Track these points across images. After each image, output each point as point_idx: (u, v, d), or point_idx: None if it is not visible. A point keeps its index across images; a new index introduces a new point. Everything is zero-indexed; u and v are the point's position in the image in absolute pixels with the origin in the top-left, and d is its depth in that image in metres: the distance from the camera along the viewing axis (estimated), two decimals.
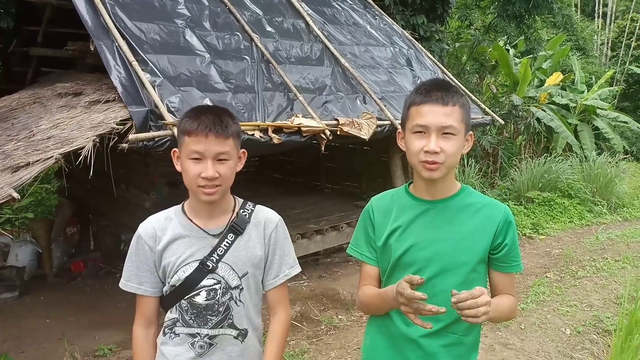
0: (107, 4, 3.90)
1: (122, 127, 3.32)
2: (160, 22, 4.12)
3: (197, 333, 1.59)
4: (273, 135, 3.84)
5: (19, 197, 2.75)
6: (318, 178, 7.27)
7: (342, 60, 5.03)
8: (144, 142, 3.27)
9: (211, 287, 1.59)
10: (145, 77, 3.55)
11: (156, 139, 3.31)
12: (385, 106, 4.83)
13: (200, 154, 1.49)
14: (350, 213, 5.75)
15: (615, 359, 3.30)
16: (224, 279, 1.59)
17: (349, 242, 1.73)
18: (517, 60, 11.78)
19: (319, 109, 4.40)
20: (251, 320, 1.66)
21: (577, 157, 9.90)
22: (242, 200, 1.70)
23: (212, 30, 4.41)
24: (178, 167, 1.58)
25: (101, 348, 3.81)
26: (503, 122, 6.74)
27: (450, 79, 6.10)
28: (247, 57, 4.38)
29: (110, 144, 3.27)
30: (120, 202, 5.11)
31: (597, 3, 22.41)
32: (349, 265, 5.58)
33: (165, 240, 1.59)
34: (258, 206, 1.71)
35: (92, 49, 3.81)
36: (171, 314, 1.62)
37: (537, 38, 10.38)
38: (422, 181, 1.55)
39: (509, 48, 11.65)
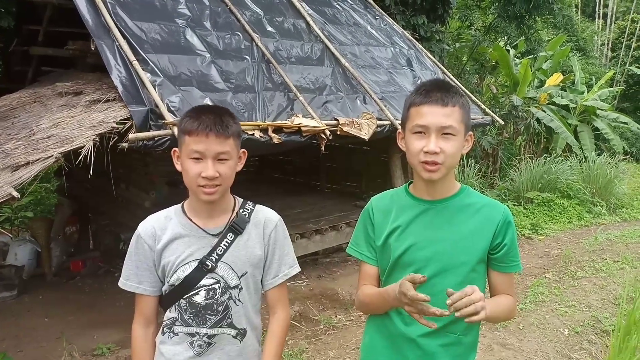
0: (108, 4, 3.90)
1: (122, 126, 3.32)
2: (161, 22, 4.12)
3: (196, 332, 1.60)
4: (273, 135, 3.85)
5: (19, 196, 2.75)
6: (318, 178, 7.27)
7: (343, 61, 5.04)
8: (144, 142, 3.27)
9: (210, 287, 1.59)
10: (146, 76, 3.55)
11: (156, 139, 3.31)
12: (385, 106, 4.84)
13: (200, 154, 1.49)
14: (350, 213, 5.76)
15: (613, 359, 3.31)
16: (223, 278, 1.60)
17: (348, 242, 1.73)
18: (518, 60, 11.78)
19: (319, 108, 4.40)
20: (250, 319, 1.66)
21: (576, 157, 9.90)
22: (242, 199, 1.71)
23: (212, 30, 4.41)
24: (178, 167, 1.59)
25: (100, 347, 3.81)
26: (503, 123, 6.74)
27: (451, 79, 6.10)
28: (247, 57, 4.39)
29: (110, 143, 3.27)
30: (120, 202, 5.12)
31: (597, 4, 22.42)
32: (348, 265, 5.58)
33: (164, 239, 1.59)
34: (258, 206, 1.71)
35: (92, 49, 3.81)
36: (170, 313, 1.63)
37: (538, 39, 10.40)
38: (421, 181, 1.56)
39: (509, 48, 11.65)
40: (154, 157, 4.49)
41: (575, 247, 6.58)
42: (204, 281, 1.58)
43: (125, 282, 1.63)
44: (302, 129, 4.01)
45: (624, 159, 10.56)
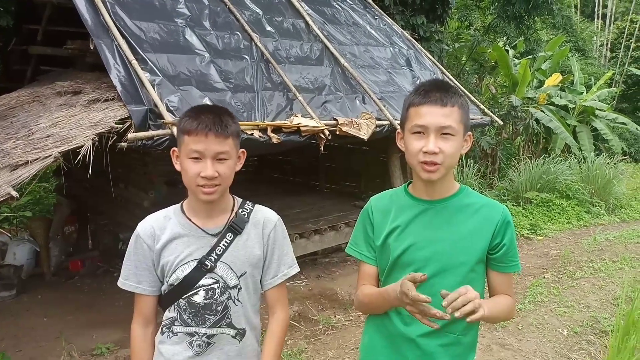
0: (107, 3, 3.90)
1: (121, 126, 3.32)
2: (160, 21, 4.12)
3: (195, 332, 1.60)
4: (272, 134, 3.85)
5: (18, 195, 2.75)
6: (317, 178, 7.27)
7: (342, 60, 5.04)
8: (143, 141, 3.27)
9: (209, 287, 1.59)
10: (145, 76, 3.55)
11: (155, 138, 3.31)
12: (384, 106, 4.84)
13: (199, 153, 1.49)
14: (349, 213, 5.76)
15: (612, 359, 3.31)
16: (222, 278, 1.60)
17: (347, 242, 1.74)
18: (517, 61, 11.79)
19: (318, 108, 4.40)
20: (249, 319, 1.66)
21: (575, 158, 9.91)
22: (241, 199, 1.71)
23: (211, 30, 4.41)
24: (177, 167, 1.58)
25: (99, 347, 3.80)
26: (502, 123, 6.75)
27: (450, 79, 6.10)
28: (246, 57, 4.38)
29: (109, 143, 3.27)
30: (119, 201, 5.11)
31: (596, 4, 22.44)
32: (347, 265, 5.58)
33: (164, 239, 1.59)
34: (257, 206, 1.71)
35: (91, 48, 3.81)
36: (169, 313, 1.63)
37: (537, 39, 10.40)
38: (421, 181, 1.56)
39: (509, 49, 11.67)
40: (152, 157, 4.49)
41: (574, 247, 6.59)
42: (203, 281, 1.58)
43: (125, 281, 1.63)
44: (301, 128, 4.01)
45: (623, 159, 10.57)
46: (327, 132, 4.15)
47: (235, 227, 1.62)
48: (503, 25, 9.29)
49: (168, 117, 3.35)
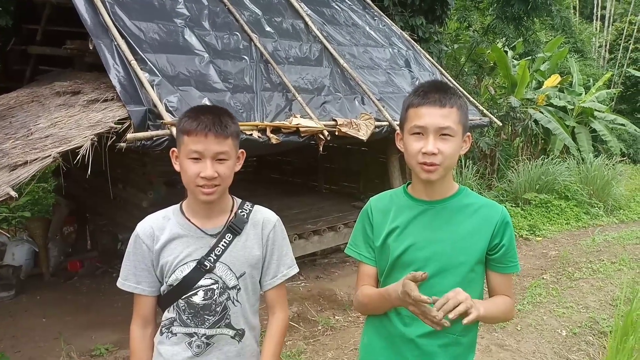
0: (107, 3, 3.90)
1: (120, 126, 3.32)
2: (160, 22, 4.12)
3: (194, 333, 1.60)
4: (271, 135, 3.85)
5: (17, 195, 2.75)
6: (316, 178, 7.27)
7: (341, 61, 5.04)
8: (142, 142, 3.27)
9: (209, 287, 1.59)
10: (144, 76, 3.55)
11: (154, 139, 3.31)
12: (383, 107, 4.84)
13: (199, 154, 1.49)
14: (348, 214, 5.76)
15: None
16: (221, 279, 1.59)
17: (346, 243, 1.74)
18: (515, 62, 11.80)
19: (318, 109, 4.40)
20: (248, 320, 1.66)
21: (574, 159, 9.92)
22: (241, 200, 1.71)
23: (211, 30, 4.41)
24: (176, 167, 1.58)
25: (98, 347, 3.80)
26: (501, 124, 6.75)
27: (449, 80, 6.11)
28: (245, 57, 4.38)
29: (109, 143, 3.27)
30: (118, 202, 5.11)
31: (595, 5, 22.48)
32: (346, 266, 5.58)
33: (163, 239, 1.59)
34: (256, 206, 1.71)
35: (90, 48, 3.81)
36: (168, 314, 1.63)
37: (536, 40, 10.44)
38: (420, 182, 1.56)
39: (507, 50, 11.68)
40: (152, 157, 4.49)
41: (572, 248, 6.59)
42: (202, 281, 1.58)
43: (124, 282, 1.63)
44: (301, 129, 4.01)
45: (622, 160, 10.59)
46: (326, 133, 4.15)
47: (235, 228, 1.62)
48: (502, 26, 9.31)
49: (167, 118, 3.35)
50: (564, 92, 12.13)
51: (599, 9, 22.21)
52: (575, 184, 8.71)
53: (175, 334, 1.61)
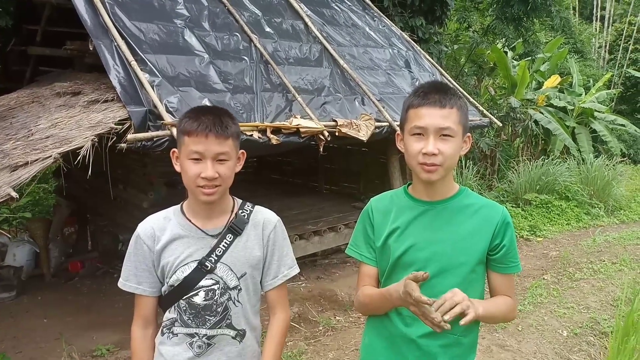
0: (107, 4, 3.90)
1: (120, 127, 3.32)
2: (160, 22, 4.12)
3: (195, 333, 1.60)
4: (271, 135, 3.85)
5: (17, 196, 2.75)
6: (316, 179, 7.27)
7: (341, 62, 5.04)
8: (143, 142, 3.27)
9: (209, 288, 1.59)
10: (144, 77, 3.55)
11: (155, 139, 3.31)
12: (383, 108, 4.84)
13: (200, 154, 1.49)
14: (348, 214, 5.76)
15: None
16: (222, 279, 1.60)
17: (346, 244, 1.74)
18: (515, 62, 11.81)
19: (318, 110, 4.41)
20: (249, 320, 1.66)
21: (574, 159, 9.92)
22: (241, 200, 1.71)
23: (211, 31, 4.41)
24: (177, 167, 1.59)
25: (99, 348, 3.80)
26: (501, 124, 6.75)
27: (449, 80, 6.11)
28: (245, 58, 4.39)
29: (109, 144, 3.27)
30: (118, 202, 5.11)
31: (595, 6, 22.48)
32: (347, 266, 5.58)
33: (164, 240, 1.59)
34: (257, 207, 1.71)
35: (91, 49, 3.81)
36: (170, 314, 1.63)
37: (535, 41, 10.43)
38: (420, 183, 1.57)
39: (507, 50, 11.68)
40: (152, 158, 4.49)
41: (573, 248, 6.59)
42: (203, 282, 1.58)
43: (125, 282, 1.63)
44: (301, 130, 4.01)
45: (622, 161, 10.59)
46: (326, 133, 4.15)
47: (235, 228, 1.62)
48: (502, 27, 9.31)
49: (167, 118, 3.35)
50: (564, 93, 12.13)
51: (599, 10, 22.21)
52: (576, 185, 8.71)
53: (176, 335, 1.61)
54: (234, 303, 1.61)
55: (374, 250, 1.64)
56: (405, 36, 6.61)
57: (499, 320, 1.72)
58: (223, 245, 1.60)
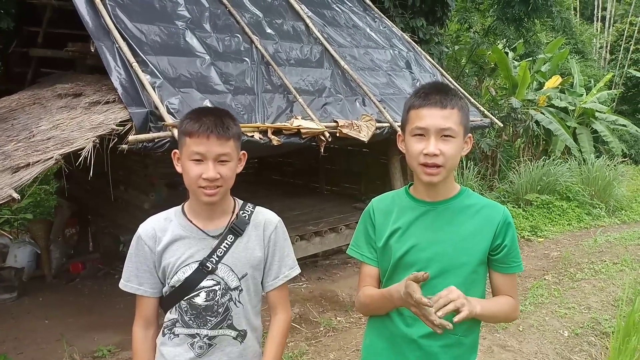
0: (108, 5, 3.91)
1: (122, 128, 3.33)
2: (161, 24, 4.13)
3: (196, 334, 1.60)
4: (272, 136, 3.85)
5: (19, 197, 2.75)
6: (317, 180, 7.28)
7: (342, 63, 5.05)
8: (144, 144, 3.28)
9: (211, 288, 1.59)
10: (146, 78, 3.56)
11: (156, 140, 3.31)
12: (384, 108, 4.84)
13: (201, 155, 1.49)
14: (349, 215, 5.76)
15: None
16: (223, 280, 1.60)
17: (347, 244, 1.74)
18: (516, 63, 11.79)
19: (319, 110, 4.41)
20: (250, 321, 1.66)
21: (575, 160, 9.92)
22: (242, 201, 1.71)
23: (212, 32, 4.42)
24: (178, 168, 1.59)
25: (100, 349, 3.80)
26: (502, 125, 6.76)
27: (450, 81, 6.11)
28: (247, 59, 4.39)
29: (110, 145, 3.28)
30: (120, 204, 5.12)
31: (596, 6, 22.47)
32: (348, 267, 5.59)
33: (165, 241, 1.60)
34: (258, 207, 1.72)
35: (92, 50, 3.82)
36: (171, 315, 1.63)
37: (536, 41, 10.44)
38: (422, 183, 1.57)
39: (508, 51, 11.68)
40: (153, 159, 4.50)
41: (574, 249, 6.59)
42: (204, 283, 1.58)
43: (126, 283, 1.63)
44: (302, 130, 4.02)
45: (623, 161, 10.58)
46: (327, 134, 4.15)
47: (236, 229, 1.62)
48: (502, 28, 9.33)
49: (169, 119, 3.36)
50: (565, 93, 12.12)
51: (600, 10, 22.20)
52: (577, 185, 8.71)
53: (178, 335, 1.61)
54: (235, 304, 1.61)
55: (375, 250, 1.64)
56: (406, 37, 6.62)
57: (501, 320, 1.72)
58: (224, 246, 1.60)
